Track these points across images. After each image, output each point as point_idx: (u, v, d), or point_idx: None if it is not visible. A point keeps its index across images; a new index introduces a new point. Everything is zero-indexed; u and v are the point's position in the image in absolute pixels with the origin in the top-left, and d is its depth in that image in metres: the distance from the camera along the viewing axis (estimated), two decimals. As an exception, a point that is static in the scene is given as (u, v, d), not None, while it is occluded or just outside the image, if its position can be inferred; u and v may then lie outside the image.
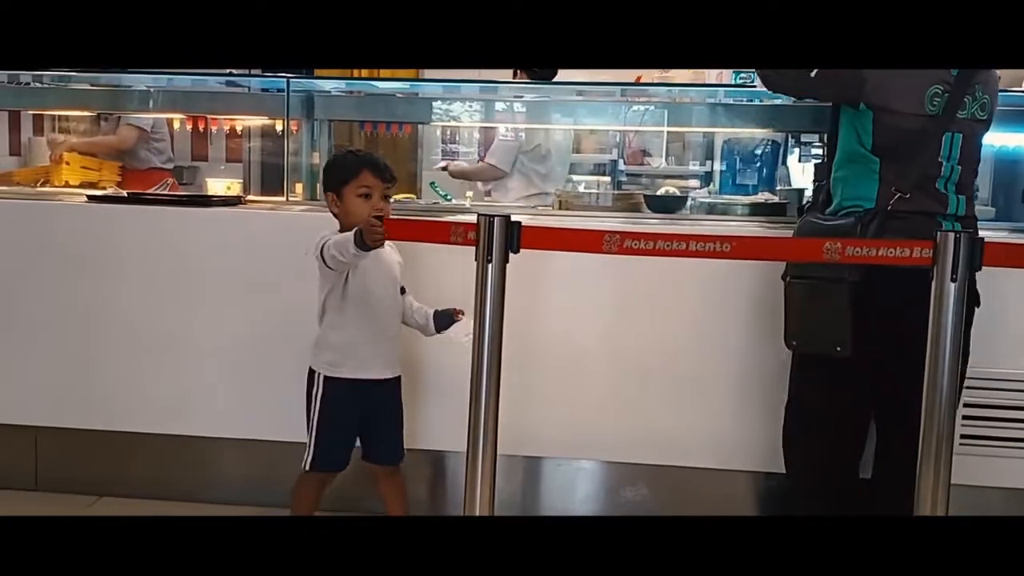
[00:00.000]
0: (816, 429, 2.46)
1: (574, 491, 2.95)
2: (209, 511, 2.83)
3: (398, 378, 2.53)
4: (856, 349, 2.28)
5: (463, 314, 2.52)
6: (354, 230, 2.22)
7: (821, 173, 2.72)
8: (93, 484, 3.02)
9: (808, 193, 3.48)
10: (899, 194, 2.29)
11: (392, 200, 3.62)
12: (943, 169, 2.33)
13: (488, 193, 4.41)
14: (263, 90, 3.48)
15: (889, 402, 2.41)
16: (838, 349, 2.29)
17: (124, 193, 3.36)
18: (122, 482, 2.99)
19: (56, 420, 3.00)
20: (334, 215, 2.47)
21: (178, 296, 2.91)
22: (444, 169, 4.54)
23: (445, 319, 2.53)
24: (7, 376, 2.99)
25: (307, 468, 2.47)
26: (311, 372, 2.49)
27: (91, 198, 3.15)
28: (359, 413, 2.49)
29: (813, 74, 2.34)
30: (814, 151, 4.29)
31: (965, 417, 2.59)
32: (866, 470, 2.53)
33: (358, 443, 2.53)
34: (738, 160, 6.22)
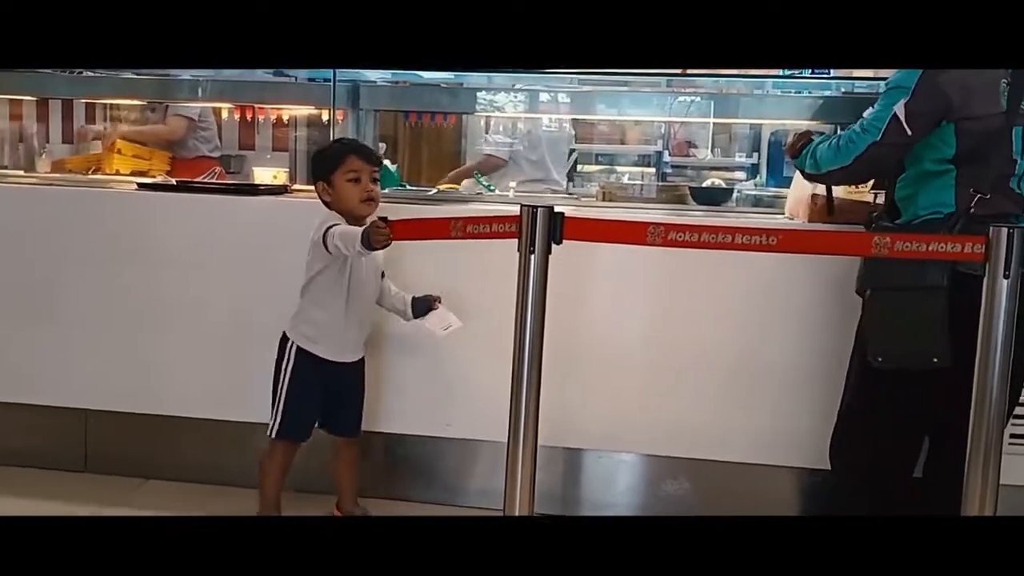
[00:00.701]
0: (881, 441, 2.38)
1: (615, 484, 2.94)
2: (251, 495, 2.86)
3: (363, 358, 2.66)
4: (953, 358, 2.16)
5: (440, 301, 2.65)
6: (361, 230, 2.30)
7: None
8: (140, 467, 3.08)
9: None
10: (978, 195, 2.20)
11: (435, 190, 3.66)
12: (1017, 167, 2.25)
13: None
14: (310, 80, 3.50)
15: (955, 405, 2.35)
16: (935, 361, 2.17)
17: (173, 181, 3.41)
18: (169, 465, 3.04)
19: (105, 403, 3.06)
20: (325, 204, 2.54)
21: (225, 283, 2.94)
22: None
23: (422, 306, 2.65)
24: (58, 359, 3.05)
25: (274, 435, 2.58)
26: (284, 339, 2.59)
27: (141, 186, 3.20)
28: (326, 389, 2.60)
29: (911, 132, 2.21)
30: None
31: (1016, 416, 2.54)
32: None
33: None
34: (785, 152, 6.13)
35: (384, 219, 2.25)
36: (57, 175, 3.85)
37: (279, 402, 2.58)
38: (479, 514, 2.85)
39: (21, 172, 4.09)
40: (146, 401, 3.03)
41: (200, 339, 2.97)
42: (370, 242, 2.26)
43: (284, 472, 2.64)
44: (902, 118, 2.21)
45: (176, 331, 2.99)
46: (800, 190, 2.79)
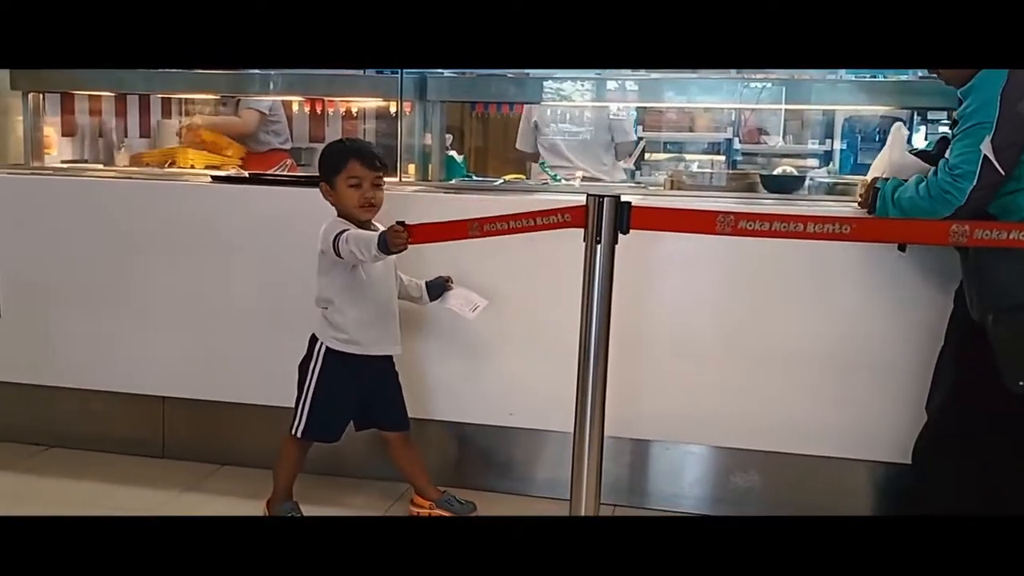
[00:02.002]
0: (983, 459, 2.32)
1: (682, 476, 2.91)
2: (324, 482, 2.91)
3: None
4: None
5: (452, 282, 2.69)
6: (377, 235, 2.34)
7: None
8: (215, 453, 3.16)
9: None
10: None
11: (501, 180, 3.66)
12: None
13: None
14: (378, 72, 3.53)
15: None
16: None
17: (245, 174, 3.47)
18: (243, 452, 3.11)
19: (182, 391, 3.14)
20: (330, 203, 2.56)
21: (297, 273, 2.98)
22: None
23: (437, 288, 2.69)
24: (136, 348, 3.14)
25: (298, 435, 2.61)
26: (313, 339, 2.62)
27: (215, 178, 3.26)
28: (358, 388, 2.62)
29: (1003, 170, 2.12)
30: (941, 129, 4.10)
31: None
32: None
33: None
34: (859, 138, 6.01)
35: (401, 223, 2.27)
36: (135, 168, 3.95)
37: (305, 402, 2.61)
38: (546, 503, 2.86)
39: (101, 165, 4.22)
40: (222, 389, 3.10)
41: (274, 328, 3.02)
42: (387, 246, 2.29)
43: (302, 461, 2.69)
44: (992, 157, 2.13)
45: (250, 320, 3.05)
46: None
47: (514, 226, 2.10)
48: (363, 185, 2.52)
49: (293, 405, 2.64)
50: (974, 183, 2.15)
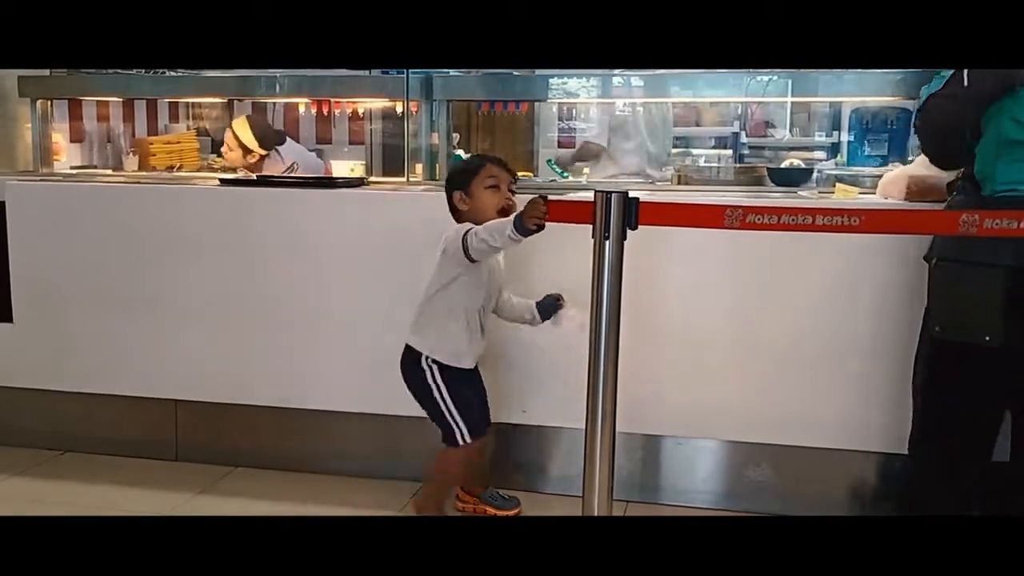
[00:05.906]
0: (950, 424, 2.31)
1: (695, 470, 2.91)
2: (335, 483, 2.92)
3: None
4: (1006, 338, 2.12)
5: (563, 299, 2.59)
6: (511, 216, 2.24)
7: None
8: (229, 455, 3.17)
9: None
10: None
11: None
12: None
13: None
14: (384, 72, 3.54)
15: None
16: (987, 338, 2.12)
17: (254, 176, 3.48)
18: (256, 454, 3.12)
19: (194, 394, 3.15)
20: (459, 212, 2.50)
21: (305, 274, 3.00)
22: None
23: (550, 306, 2.60)
24: (149, 352, 3.15)
25: (466, 441, 2.54)
26: (416, 357, 2.54)
27: (223, 182, 3.27)
28: (475, 387, 2.61)
29: (967, 82, 2.15)
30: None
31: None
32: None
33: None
34: (867, 130, 5.98)
35: (543, 197, 2.15)
36: (144, 173, 3.97)
37: (451, 414, 2.54)
38: (558, 499, 2.87)
39: (110, 171, 4.24)
40: (234, 391, 3.10)
41: (282, 329, 3.03)
42: (524, 223, 2.17)
43: (469, 467, 2.69)
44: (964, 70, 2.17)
45: (261, 322, 3.06)
46: (897, 169, 2.72)
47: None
48: (501, 188, 2.47)
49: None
50: (938, 87, 2.23)
